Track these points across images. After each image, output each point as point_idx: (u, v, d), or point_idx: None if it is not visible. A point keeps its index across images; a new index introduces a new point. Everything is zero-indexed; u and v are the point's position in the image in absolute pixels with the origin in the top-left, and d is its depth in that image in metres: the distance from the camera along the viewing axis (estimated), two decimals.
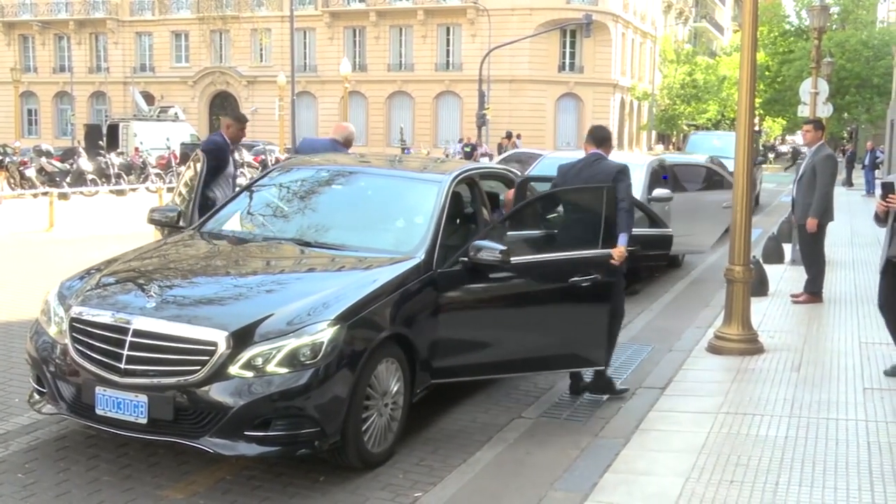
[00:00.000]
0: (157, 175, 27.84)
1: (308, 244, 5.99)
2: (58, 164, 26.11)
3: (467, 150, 35.17)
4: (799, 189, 10.34)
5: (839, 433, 5.67)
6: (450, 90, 55.49)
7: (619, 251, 6.17)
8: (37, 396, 5.29)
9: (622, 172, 6.51)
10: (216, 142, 8.39)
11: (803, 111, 25.46)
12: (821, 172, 9.82)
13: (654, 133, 58.09)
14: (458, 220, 6.89)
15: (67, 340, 5.01)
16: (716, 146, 21.85)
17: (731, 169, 15.06)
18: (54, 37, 63.46)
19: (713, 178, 13.54)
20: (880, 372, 7.11)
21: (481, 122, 39.66)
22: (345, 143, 9.11)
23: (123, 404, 4.73)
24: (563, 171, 6.84)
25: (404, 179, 6.94)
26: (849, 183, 33.72)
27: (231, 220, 6.56)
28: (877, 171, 32.06)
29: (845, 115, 54.42)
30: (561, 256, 6.22)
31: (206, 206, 7.41)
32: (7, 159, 26.96)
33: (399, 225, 6.33)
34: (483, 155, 32.42)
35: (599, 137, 6.82)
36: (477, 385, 6.84)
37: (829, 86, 29.92)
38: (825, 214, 9.95)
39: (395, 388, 5.29)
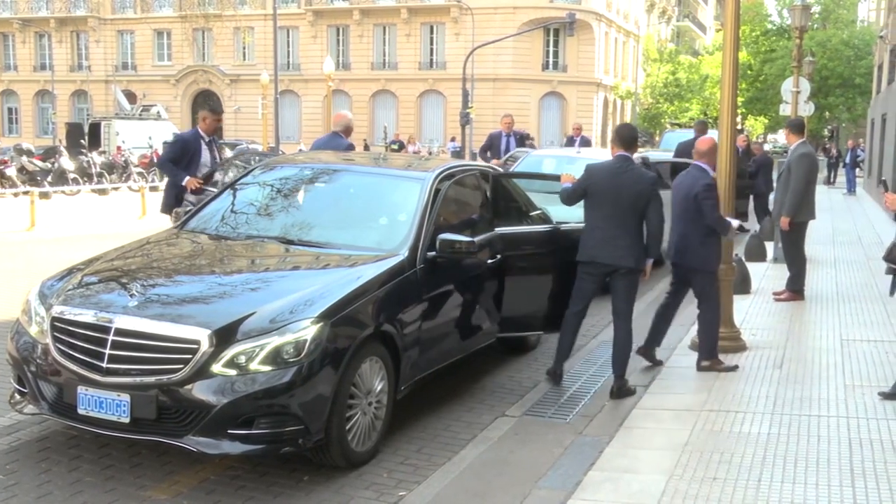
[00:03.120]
0: (140, 174, 27.71)
1: (292, 242, 5.98)
2: (39, 163, 25.94)
3: (394, 147, 35.10)
4: (778, 188, 10.42)
5: (821, 430, 5.70)
6: (434, 89, 55.51)
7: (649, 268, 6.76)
8: (18, 397, 5.25)
9: (656, 187, 6.58)
10: (178, 136, 8.76)
11: (785, 110, 25.64)
12: (794, 171, 9.88)
13: None
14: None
15: (49, 340, 4.98)
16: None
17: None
18: (35, 34, 62.99)
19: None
20: (861, 369, 7.16)
21: (465, 120, 39.69)
22: (344, 132, 9.36)
23: (106, 403, 4.71)
24: (593, 173, 6.72)
25: (387, 177, 6.95)
26: (829, 181, 33.96)
27: (214, 219, 6.53)
28: (857, 170, 32.34)
29: (826, 114, 54.82)
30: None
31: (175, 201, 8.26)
32: None
33: (383, 222, 6.34)
34: (415, 153, 32.47)
35: (628, 139, 6.77)
36: (461, 383, 6.85)
37: (812, 85, 30.13)
38: (803, 212, 9.99)
39: (380, 387, 5.29)
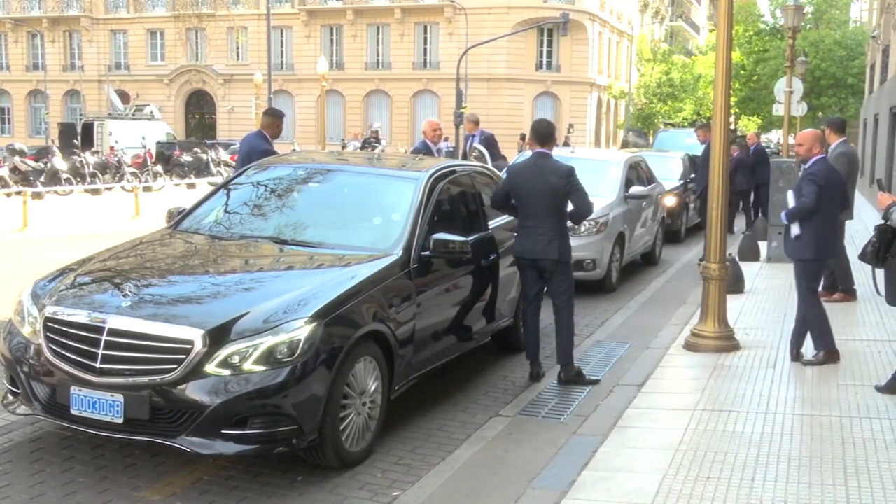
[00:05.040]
0: (133, 174, 27.62)
1: (286, 242, 5.98)
2: (31, 163, 25.84)
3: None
4: None
5: (814, 429, 5.71)
6: (427, 89, 55.49)
7: None
8: (10, 397, 5.23)
9: (571, 177, 6.72)
10: (267, 150, 8.74)
11: (778, 110, 25.70)
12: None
13: (630, 132, 58.34)
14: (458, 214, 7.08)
15: (41, 340, 4.96)
16: (686, 144, 21.99)
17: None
18: (27, 34, 62.81)
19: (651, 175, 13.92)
20: (854, 368, 7.17)
21: (458, 120, 39.62)
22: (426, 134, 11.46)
23: (99, 404, 4.69)
24: (513, 172, 7.08)
25: (381, 177, 6.96)
26: None
27: (208, 219, 6.52)
28: None
29: (819, 114, 54.96)
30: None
31: None
32: None
33: (377, 222, 6.34)
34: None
35: (542, 135, 6.94)
36: (455, 383, 6.85)
37: (805, 85, 30.19)
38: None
39: (373, 387, 5.29)
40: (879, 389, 6.47)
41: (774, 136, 64.36)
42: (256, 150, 8.71)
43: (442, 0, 53.47)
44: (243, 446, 4.70)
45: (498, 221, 7.29)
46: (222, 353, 4.65)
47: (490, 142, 14.05)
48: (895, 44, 24.28)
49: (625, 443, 5.52)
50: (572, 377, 6.78)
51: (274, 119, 9.12)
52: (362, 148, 20.73)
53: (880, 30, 30.22)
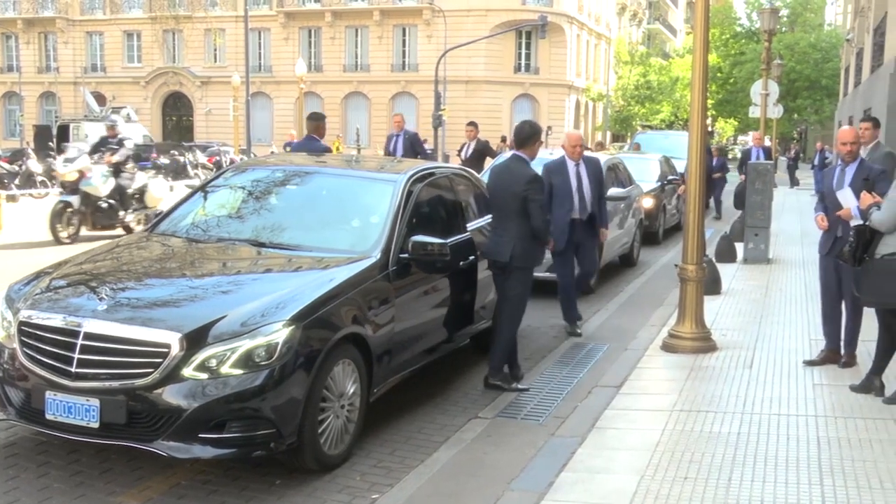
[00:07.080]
0: None
1: (263, 245, 5.96)
2: (6, 165, 25.64)
3: (288, 150, 35.00)
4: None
5: (790, 429, 5.76)
6: (406, 91, 55.48)
7: None
8: None
9: (531, 184, 6.63)
10: (327, 149, 9.77)
11: (754, 112, 25.96)
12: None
13: (609, 133, 58.62)
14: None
15: (16, 345, 4.91)
16: (663, 146, 22.15)
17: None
18: (1, 36, 62.24)
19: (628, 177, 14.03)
20: (829, 368, 7.23)
21: (437, 122, 39.69)
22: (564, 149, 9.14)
23: (74, 408, 4.66)
24: (491, 172, 7.29)
25: (360, 179, 6.95)
26: (795, 182, 34.28)
27: (185, 221, 6.48)
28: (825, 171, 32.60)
29: (795, 116, 55.52)
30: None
31: None
32: None
33: (355, 224, 6.33)
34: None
35: (519, 138, 6.95)
36: (434, 385, 6.85)
37: (780, 87, 30.48)
38: None
39: (352, 390, 5.28)
40: (854, 389, 6.54)
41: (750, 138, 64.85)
42: (317, 150, 9.34)
43: (420, 2, 53.51)
44: (221, 450, 4.67)
45: (476, 223, 7.31)
46: (200, 357, 4.63)
47: (414, 140, 14.11)
48: (868, 47, 24.54)
49: (603, 444, 5.54)
50: (497, 382, 6.71)
51: (317, 122, 9.85)
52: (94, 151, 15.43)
53: (854, 33, 30.52)
